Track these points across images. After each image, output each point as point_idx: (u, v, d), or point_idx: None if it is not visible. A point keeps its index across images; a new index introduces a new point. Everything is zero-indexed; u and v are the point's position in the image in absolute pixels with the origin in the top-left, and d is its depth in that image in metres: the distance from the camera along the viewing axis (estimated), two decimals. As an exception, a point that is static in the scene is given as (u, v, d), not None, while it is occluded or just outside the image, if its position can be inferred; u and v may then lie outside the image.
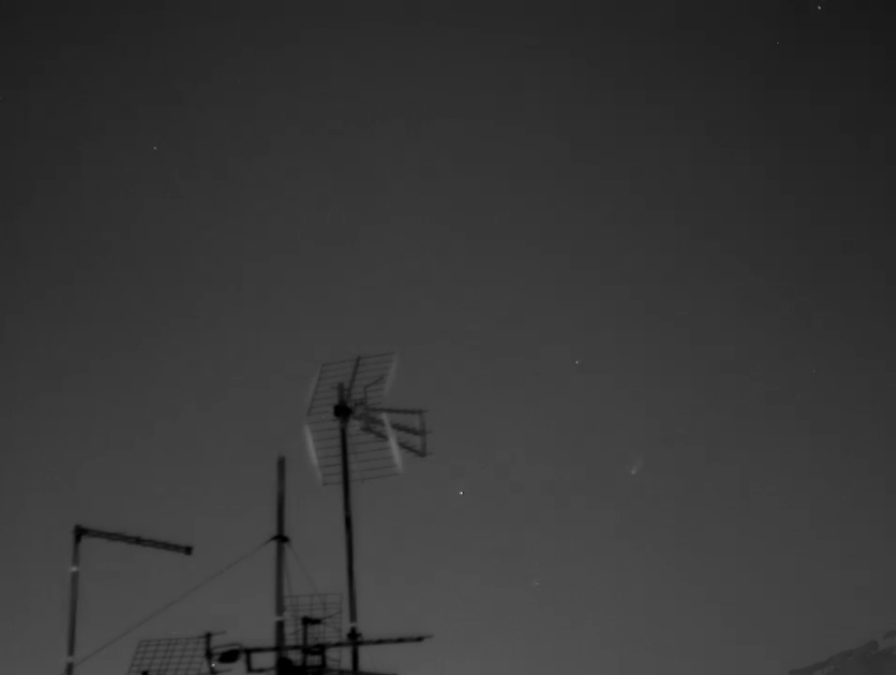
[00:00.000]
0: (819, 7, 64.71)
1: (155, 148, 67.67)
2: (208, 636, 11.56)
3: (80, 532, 12.25)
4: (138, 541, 12.40)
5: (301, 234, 77.73)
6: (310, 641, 11.47)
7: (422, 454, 12.54)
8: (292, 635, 11.51)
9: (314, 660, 11.37)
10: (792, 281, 75.12)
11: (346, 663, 11.61)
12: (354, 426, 12.47)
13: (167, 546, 12.47)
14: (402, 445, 12.42)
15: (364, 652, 11.66)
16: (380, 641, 11.48)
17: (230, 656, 11.31)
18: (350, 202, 77.92)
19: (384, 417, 12.42)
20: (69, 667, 11.85)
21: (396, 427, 12.48)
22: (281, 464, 11.89)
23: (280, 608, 11.44)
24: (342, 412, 12.44)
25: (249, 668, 11.28)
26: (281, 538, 11.64)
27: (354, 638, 11.69)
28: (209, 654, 11.48)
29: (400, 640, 11.29)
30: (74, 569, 12.19)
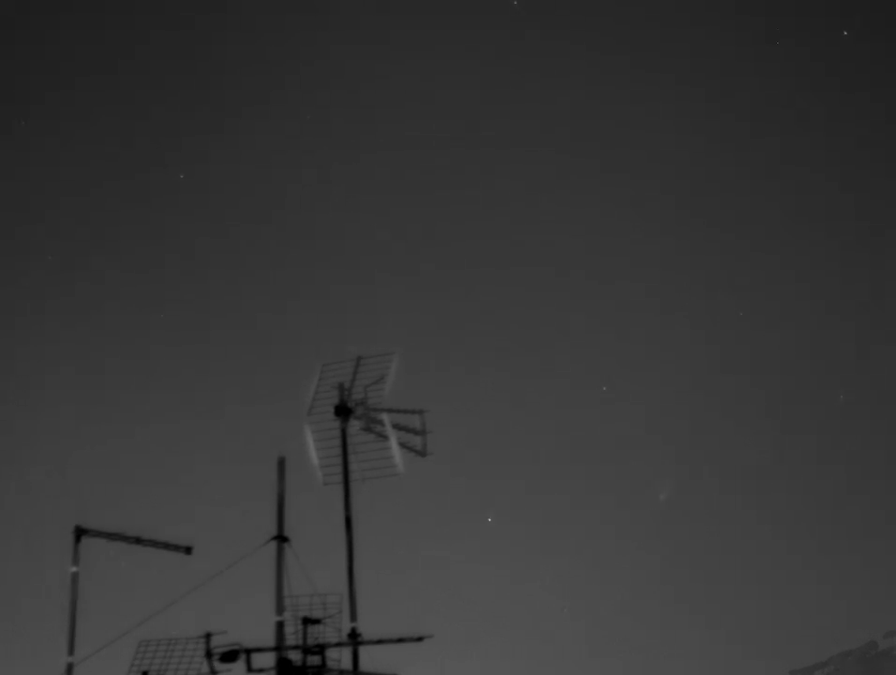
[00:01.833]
0: (846, 34, 65.03)
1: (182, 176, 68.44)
2: (208, 636, 11.56)
3: (80, 532, 12.24)
4: (138, 541, 12.39)
5: (301, 235, 77.72)
6: (310, 641, 11.46)
7: (422, 454, 12.53)
8: (292, 635, 11.51)
9: (314, 660, 11.36)
10: (818, 309, 75.53)
11: (346, 663, 11.60)
12: (355, 426, 12.46)
13: (167, 546, 12.46)
14: (402, 445, 12.41)
15: (364, 652, 11.66)
16: (380, 641, 11.47)
17: (230, 656, 11.30)
18: (353, 203, 77.94)
19: (385, 417, 12.41)
20: (69, 667, 11.84)
21: (397, 427, 12.47)
22: (281, 464, 11.88)
23: (280, 608, 11.43)
24: (342, 411, 12.43)
25: (249, 668, 11.28)
26: (281, 538, 11.63)
27: (354, 638, 11.68)
28: (209, 654, 11.47)
29: (400, 640, 11.28)
30: (74, 569, 12.18)
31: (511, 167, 77.94)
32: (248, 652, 11.28)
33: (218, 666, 11.40)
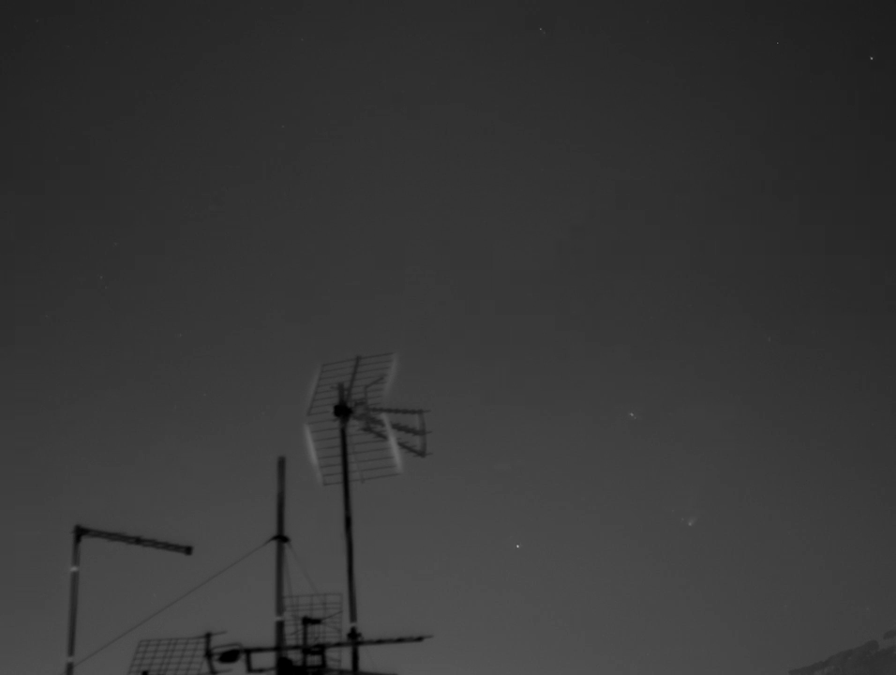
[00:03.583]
0: (871, 59, 65.32)
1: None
2: (208, 636, 11.55)
3: (80, 532, 12.24)
4: (138, 541, 12.38)
5: (302, 237, 77.66)
6: (310, 641, 11.46)
7: (422, 454, 12.52)
8: (292, 635, 11.51)
9: (314, 660, 11.37)
10: (845, 331, 75.80)
11: (346, 663, 11.60)
12: (354, 426, 12.45)
13: (167, 546, 12.46)
14: (402, 445, 12.40)
15: (364, 652, 11.66)
16: (380, 641, 11.47)
17: (230, 656, 11.30)
18: (354, 203, 77.87)
19: (384, 417, 12.40)
20: (69, 667, 11.84)
21: (396, 427, 12.46)
22: (281, 464, 11.88)
23: (280, 608, 11.43)
24: (342, 412, 12.42)
25: (249, 668, 11.28)
26: (281, 538, 11.63)
27: (354, 638, 11.68)
28: (209, 654, 11.47)
29: (400, 640, 11.28)
30: (74, 569, 12.18)
31: (532, 179, 78.00)
32: (248, 652, 11.29)
33: (218, 666, 11.40)
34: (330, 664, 11.42)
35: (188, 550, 12.48)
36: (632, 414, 71.70)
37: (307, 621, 11.58)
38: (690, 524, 65.11)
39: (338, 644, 11.53)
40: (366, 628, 11.73)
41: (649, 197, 77.37)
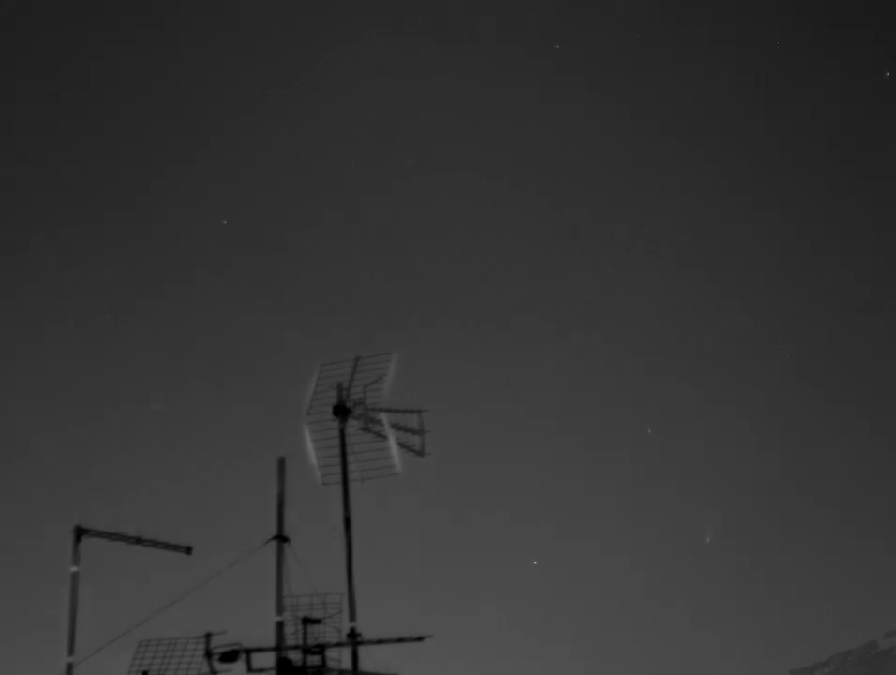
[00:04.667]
0: (888, 74, 65.41)
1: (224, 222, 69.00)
2: (208, 636, 11.56)
3: (80, 532, 12.25)
4: (138, 541, 12.40)
5: (302, 237, 77.71)
6: (310, 641, 11.47)
7: (421, 453, 12.52)
8: (292, 635, 11.51)
9: (314, 660, 11.37)
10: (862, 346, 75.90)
11: (346, 663, 11.60)
12: (353, 425, 12.45)
13: (167, 546, 12.47)
14: (401, 445, 12.40)
15: (364, 652, 11.67)
16: (380, 641, 11.48)
17: (230, 656, 11.30)
18: (355, 202, 77.92)
19: (383, 417, 12.40)
20: (69, 667, 11.85)
21: (395, 426, 12.46)
22: (281, 464, 11.89)
23: (280, 608, 11.44)
24: (341, 411, 12.42)
25: (249, 668, 11.28)
26: (281, 538, 11.63)
27: (354, 638, 11.68)
28: (209, 654, 11.47)
29: (400, 640, 11.29)
30: (74, 569, 12.19)
31: (531, 180, 78.05)
32: (248, 652, 11.29)
33: (218, 666, 11.41)
34: (330, 664, 11.42)
35: (188, 550, 12.49)
36: (649, 430, 71.71)
37: (307, 621, 11.58)
38: (707, 541, 65.32)
39: (338, 644, 11.54)
40: (366, 628, 11.75)
41: (649, 198, 77.45)
